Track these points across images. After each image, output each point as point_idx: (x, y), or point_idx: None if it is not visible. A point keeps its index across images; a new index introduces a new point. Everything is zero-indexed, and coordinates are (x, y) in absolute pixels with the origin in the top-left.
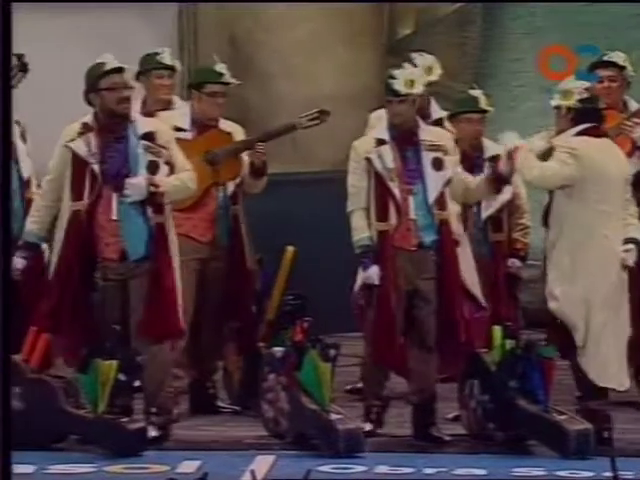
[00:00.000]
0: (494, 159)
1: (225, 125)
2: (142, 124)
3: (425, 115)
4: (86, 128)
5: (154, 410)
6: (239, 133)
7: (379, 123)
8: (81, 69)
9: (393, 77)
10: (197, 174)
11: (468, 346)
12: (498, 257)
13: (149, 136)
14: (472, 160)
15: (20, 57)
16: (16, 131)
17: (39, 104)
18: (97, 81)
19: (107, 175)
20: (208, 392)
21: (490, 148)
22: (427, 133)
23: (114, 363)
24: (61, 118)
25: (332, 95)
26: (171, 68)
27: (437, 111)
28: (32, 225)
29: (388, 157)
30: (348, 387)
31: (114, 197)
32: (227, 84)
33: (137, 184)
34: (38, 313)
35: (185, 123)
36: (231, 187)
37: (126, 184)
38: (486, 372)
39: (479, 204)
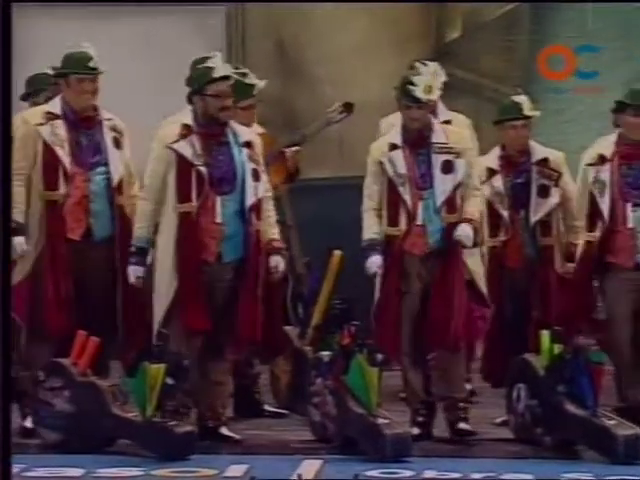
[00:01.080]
0: (542, 163)
1: (259, 130)
2: (241, 132)
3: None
4: (187, 130)
5: (209, 414)
6: (269, 136)
7: (392, 128)
8: (132, 73)
9: (413, 83)
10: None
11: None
12: (546, 261)
13: (249, 144)
14: (519, 165)
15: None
16: (108, 135)
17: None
18: (204, 86)
19: (212, 178)
20: (254, 396)
21: (538, 152)
22: (440, 135)
23: (162, 367)
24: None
25: (378, 100)
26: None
27: (444, 112)
28: (142, 230)
29: (400, 162)
30: (403, 395)
31: (218, 200)
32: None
33: None
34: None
35: (248, 132)
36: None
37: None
38: (534, 376)
39: (527, 208)
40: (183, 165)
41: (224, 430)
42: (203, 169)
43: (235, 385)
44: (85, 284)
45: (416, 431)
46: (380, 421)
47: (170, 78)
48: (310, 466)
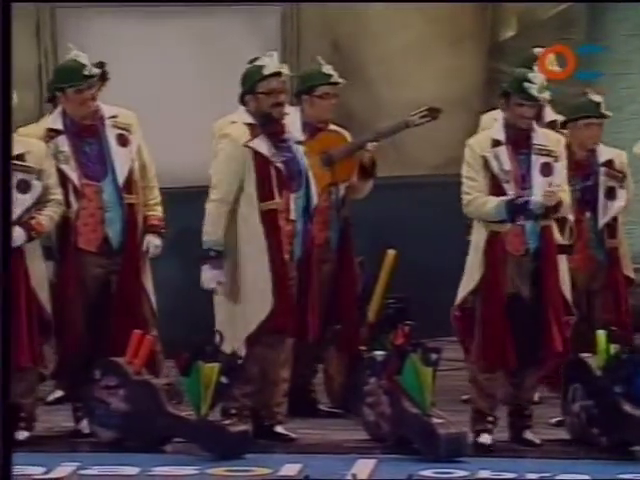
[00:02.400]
0: (608, 164)
1: (332, 127)
2: (296, 130)
3: (538, 117)
4: (254, 129)
5: (264, 413)
6: (346, 135)
7: (494, 123)
8: (187, 73)
9: (530, 81)
10: (314, 176)
11: (563, 356)
12: (613, 263)
13: (302, 143)
14: (587, 167)
15: (102, 65)
16: (112, 135)
17: (144, 108)
18: (255, 84)
19: (286, 175)
20: (309, 395)
21: (604, 153)
22: (540, 137)
23: (216, 366)
24: (166, 121)
25: (434, 99)
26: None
27: (550, 114)
28: (218, 233)
29: (504, 159)
30: (464, 397)
31: (292, 198)
32: (337, 84)
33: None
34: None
35: (296, 129)
36: (342, 189)
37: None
38: (590, 377)
39: (595, 211)
40: (262, 163)
41: (279, 429)
42: (280, 165)
43: (290, 385)
44: (108, 294)
45: (489, 440)
46: (434, 421)
47: (226, 78)
48: (364, 465)
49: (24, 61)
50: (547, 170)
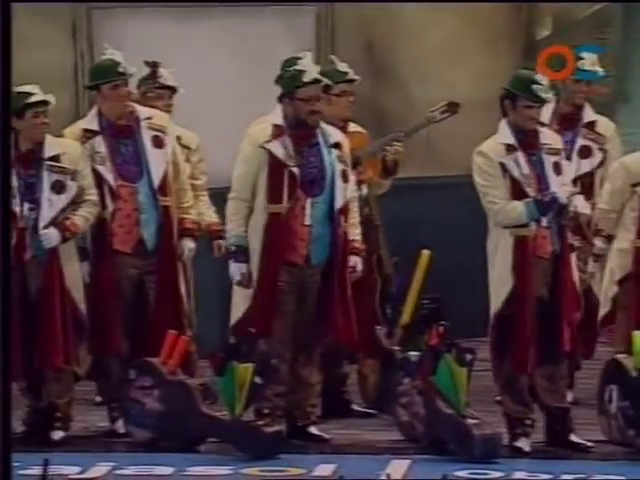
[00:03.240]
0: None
1: (352, 127)
2: (331, 133)
3: (577, 118)
4: (279, 130)
5: (298, 413)
6: (366, 134)
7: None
8: (223, 73)
9: (537, 82)
10: None
11: (569, 357)
12: None
13: (338, 145)
14: None
15: (155, 65)
16: (147, 136)
17: (179, 108)
18: (294, 89)
19: (304, 179)
20: (343, 396)
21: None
22: (547, 136)
23: (250, 366)
24: (201, 121)
25: (468, 100)
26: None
27: (590, 114)
28: (239, 228)
29: (522, 163)
30: (499, 398)
31: (308, 202)
32: (353, 81)
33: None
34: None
35: (334, 132)
36: (364, 189)
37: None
38: (626, 378)
39: None
40: (275, 165)
41: (313, 429)
42: (295, 170)
43: (324, 385)
44: (142, 295)
45: (527, 445)
46: (469, 421)
47: (260, 78)
48: (398, 466)
49: (60, 62)
50: (558, 169)
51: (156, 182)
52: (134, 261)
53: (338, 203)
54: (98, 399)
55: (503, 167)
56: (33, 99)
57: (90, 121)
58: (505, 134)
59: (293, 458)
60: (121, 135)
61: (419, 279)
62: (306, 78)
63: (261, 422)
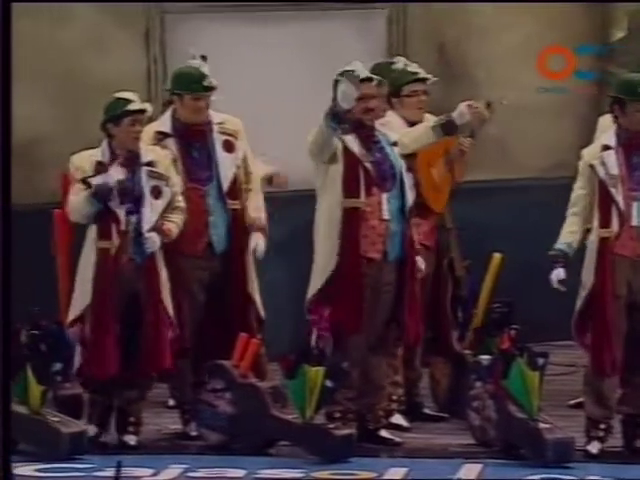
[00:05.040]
0: None
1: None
2: (388, 131)
3: None
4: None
5: (369, 416)
6: None
7: (608, 129)
8: (294, 77)
9: None
10: (439, 180)
11: None
12: None
13: (396, 144)
14: None
15: (204, 59)
16: (219, 140)
17: (252, 113)
18: None
19: (378, 175)
20: (414, 399)
21: None
22: None
23: (321, 369)
24: (272, 125)
25: (541, 102)
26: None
27: None
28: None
29: (612, 163)
30: (572, 402)
31: (384, 197)
32: (424, 80)
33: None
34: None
35: (394, 130)
36: None
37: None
38: None
39: None
40: (351, 160)
41: (384, 433)
42: (369, 165)
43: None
44: (212, 298)
45: (596, 449)
46: (541, 426)
47: (330, 81)
48: (470, 470)
49: (133, 66)
50: None
51: (225, 185)
52: (203, 263)
53: (410, 199)
54: (171, 402)
55: (592, 169)
56: (132, 107)
57: (163, 124)
58: (607, 136)
59: (364, 461)
60: (193, 139)
61: (490, 282)
62: (360, 76)
63: (332, 425)
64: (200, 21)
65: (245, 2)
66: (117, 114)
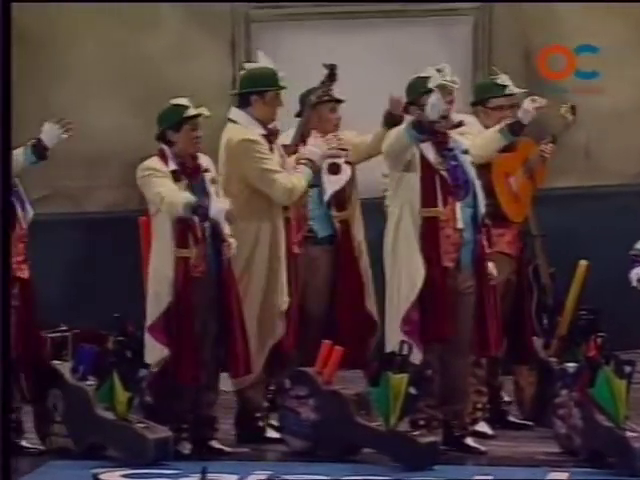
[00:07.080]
0: None
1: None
2: (458, 139)
3: None
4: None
5: (455, 423)
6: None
7: None
8: (379, 84)
9: None
10: (518, 189)
11: None
12: None
13: (468, 152)
14: None
15: (332, 68)
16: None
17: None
18: (420, 96)
19: (452, 184)
20: (500, 407)
21: None
22: None
23: (405, 376)
24: (367, 132)
25: (631, 106)
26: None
27: None
28: None
29: None
30: None
31: (458, 206)
32: (512, 95)
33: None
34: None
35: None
36: None
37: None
38: None
39: None
40: (427, 169)
41: (469, 440)
42: (445, 174)
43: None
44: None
45: None
46: (628, 434)
47: None
48: (556, 478)
49: (219, 75)
50: None
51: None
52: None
53: (482, 208)
54: None
55: None
56: (191, 112)
57: (252, 130)
58: None
59: (448, 469)
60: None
61: (576, 290)
62: (431, 84)
63: (416, 432)
64: (286, 30)
65: (329, 9)
66: (177, 120)
